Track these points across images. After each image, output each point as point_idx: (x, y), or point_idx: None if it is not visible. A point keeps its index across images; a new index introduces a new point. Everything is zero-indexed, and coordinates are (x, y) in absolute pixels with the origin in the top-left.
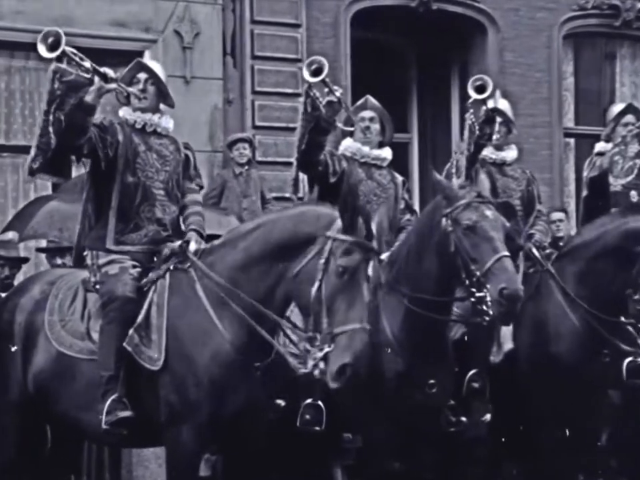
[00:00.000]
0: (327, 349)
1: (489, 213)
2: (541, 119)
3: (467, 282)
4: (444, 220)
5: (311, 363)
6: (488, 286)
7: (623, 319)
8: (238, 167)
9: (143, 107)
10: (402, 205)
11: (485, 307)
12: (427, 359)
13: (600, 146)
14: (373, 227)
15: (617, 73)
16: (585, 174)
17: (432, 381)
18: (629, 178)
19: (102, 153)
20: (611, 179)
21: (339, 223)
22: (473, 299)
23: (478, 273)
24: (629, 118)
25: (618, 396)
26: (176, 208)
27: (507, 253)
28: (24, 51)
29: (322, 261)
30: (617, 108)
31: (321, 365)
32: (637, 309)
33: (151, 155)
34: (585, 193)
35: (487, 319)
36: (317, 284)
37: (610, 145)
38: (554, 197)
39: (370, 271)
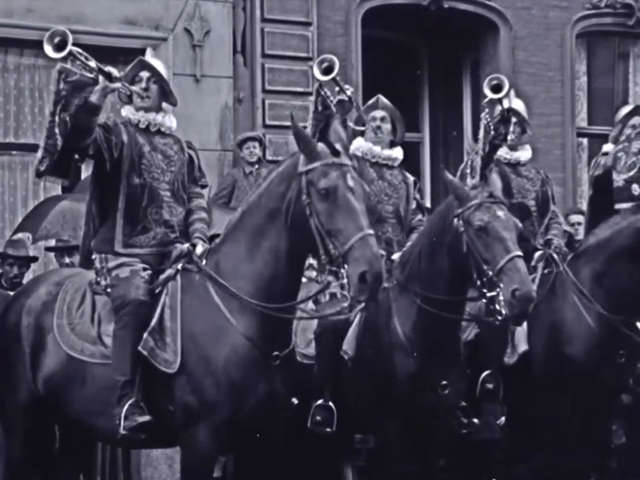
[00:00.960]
0: (343, 271)
1: (500, 213)
2: (553, 118)
3: (479, 282)
4: (456, 220)
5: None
6: (501, 285)
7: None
8: (248, 166)
9: (146, 106)
10: (413, 205)
11: (497, 307)
12: (438, 359)
13: (607, 147)
14: (337, 146)
15: (630, 72)
16: (590, 173)
17: (444, 382)
18: (632, 172)
19: (107, 154)
20: (614, 175)
21: (301, 156)
22: (484, 299)
23: (490, 273)
24: (637, 120)
25: (627, 397)
26: (182, 209)
27: (519, 253)
28: (34, 49)
29: (304, 197)
30: (625, 110)
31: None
32: None
33: (156, 156)
34: (590, 192)
35: (500, 318)
36: (310, 220)
37: None
38: (566, 197)
39: (351, 182)
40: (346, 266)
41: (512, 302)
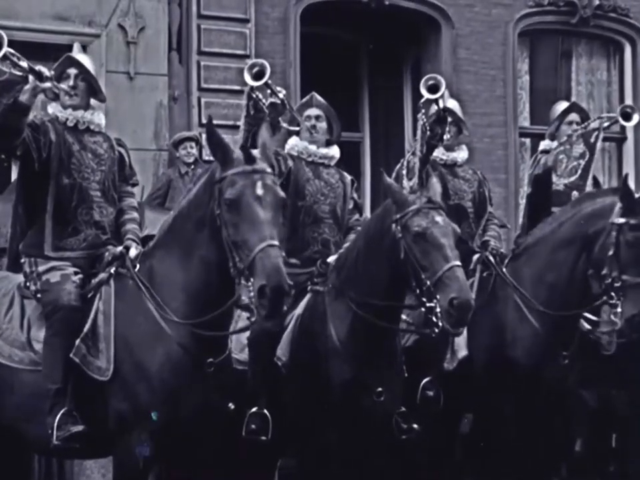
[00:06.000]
0: (250, 284)
1: (439, 219)
2: (495, 118)
3: (418, 291)
4: (393, 225)
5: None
6: (438, 296)
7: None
8: (184, 166)
9: (74, 104)
10: (350, 205)
11: (434, 318)
12: (374, 365)
13: (544, 144)
14: (255, 151)
15: (572, 72)
16: (529, 172)
17: (380, 389)
18: (572, 178)
19: (36, 154)
20: (554, 178)
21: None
22: (423, 309)
23: (428, 282)
24: (573, 116)
25: (594, 400)
26: (113, 210)
27: (457, 263)
28: None
29: (215, 207)
30: (561, 106)
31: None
32: (604, 286)
33: (86, 155)
34: (529, 190)
35: (437, 330)
36: (222, 231)
37: (555, 143)
38: (509, 198)
39: (260, 191)
40: (251, 279)
41: (450, 311)
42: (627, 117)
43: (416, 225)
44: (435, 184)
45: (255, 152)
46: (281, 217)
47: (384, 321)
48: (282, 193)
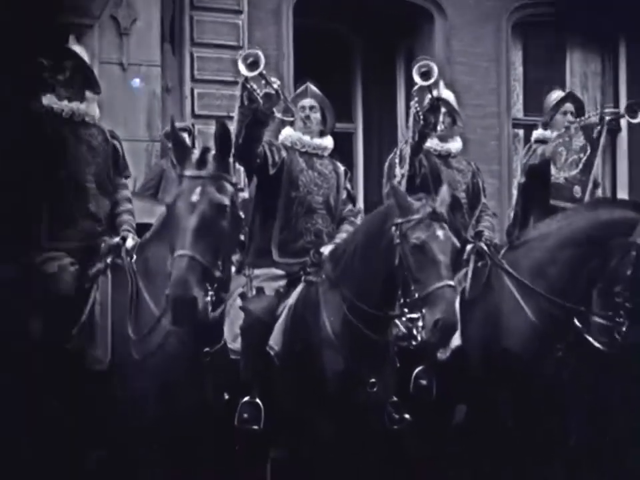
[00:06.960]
0: None
1: (440, 233)
2: (489, 109)
3: (402, 300)
4: (393, 229)
5: None
6: (424, 311)
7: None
8: None
9: (69, 96)
10: (344, 195)
11: (415, 331)
12: (367, 356)
13: (538, 133)
14: (211, 154)
15: (566, 63)
16: (523, 161)
17: (373, 379)
18: (573, 172)
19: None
20: (553, 170)
21: None
22: (404, 318)
23: (417, 295)
24: (568, 106)
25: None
26: (108, 201)
27: (450, 282)
28: None
29: None
30: (556, 95)
31: None
32: (613, 302)
33: (82, 147)
34: (522, 179)
35: (414, 343)
36: None
37: (548, 132)
38: (502, 189)
39: (194, 197)
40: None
41: (433, 331)
42: (634, 113)
43: (415, 236)
44: (445, 193)
45: (211, 155)
46: (221, 223)
47: (374, 322)
48: (223, 200)
